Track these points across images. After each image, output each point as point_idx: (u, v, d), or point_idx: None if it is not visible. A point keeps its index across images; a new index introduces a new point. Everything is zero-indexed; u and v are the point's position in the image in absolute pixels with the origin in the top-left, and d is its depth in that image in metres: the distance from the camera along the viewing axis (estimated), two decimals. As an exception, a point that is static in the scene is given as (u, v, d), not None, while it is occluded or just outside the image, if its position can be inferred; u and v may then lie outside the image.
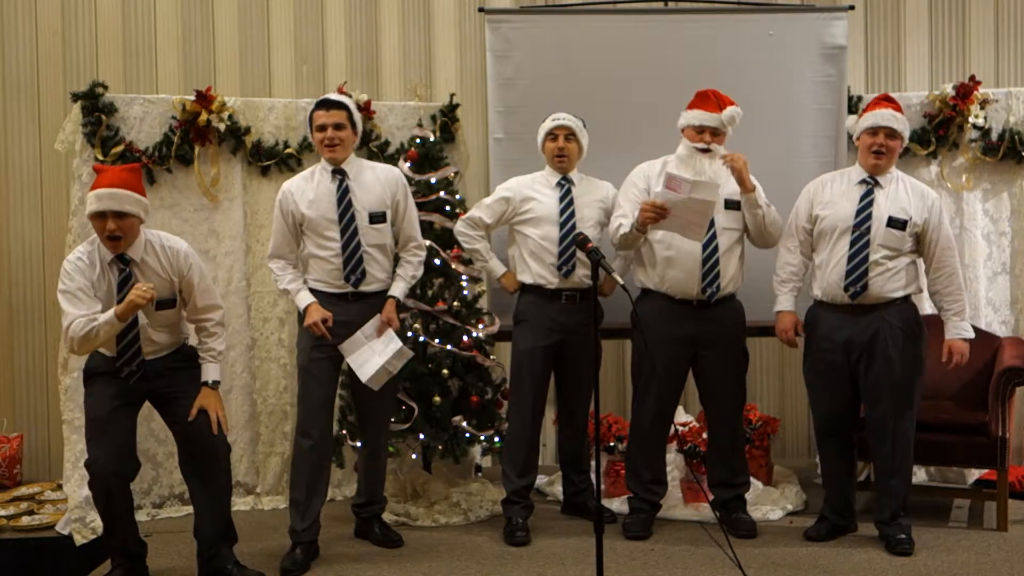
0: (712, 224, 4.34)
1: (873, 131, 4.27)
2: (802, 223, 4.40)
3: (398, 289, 4.35)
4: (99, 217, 3.78)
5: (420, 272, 4.45)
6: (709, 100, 4.41)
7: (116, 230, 3.78)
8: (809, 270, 4.43)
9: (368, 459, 4.49)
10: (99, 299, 3.82)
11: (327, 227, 4.22)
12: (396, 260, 4.44)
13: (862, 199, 4.26)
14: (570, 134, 4.58)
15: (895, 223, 4.20)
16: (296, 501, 4.27)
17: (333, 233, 4.22)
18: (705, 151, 4.39)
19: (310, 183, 4.28)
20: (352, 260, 4.22)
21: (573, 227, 4.52)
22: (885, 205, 4.23)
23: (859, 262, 4.20)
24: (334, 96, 4.36)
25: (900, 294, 4.25)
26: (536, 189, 4.63)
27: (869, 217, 4.22)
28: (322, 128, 4.22)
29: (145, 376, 3.95)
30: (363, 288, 4.26)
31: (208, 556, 4.03)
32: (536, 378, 4.58)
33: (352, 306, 4.26)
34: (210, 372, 4.03)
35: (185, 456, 4.03)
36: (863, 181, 4.30)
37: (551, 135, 4.60)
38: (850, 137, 5.18)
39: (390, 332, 4.25)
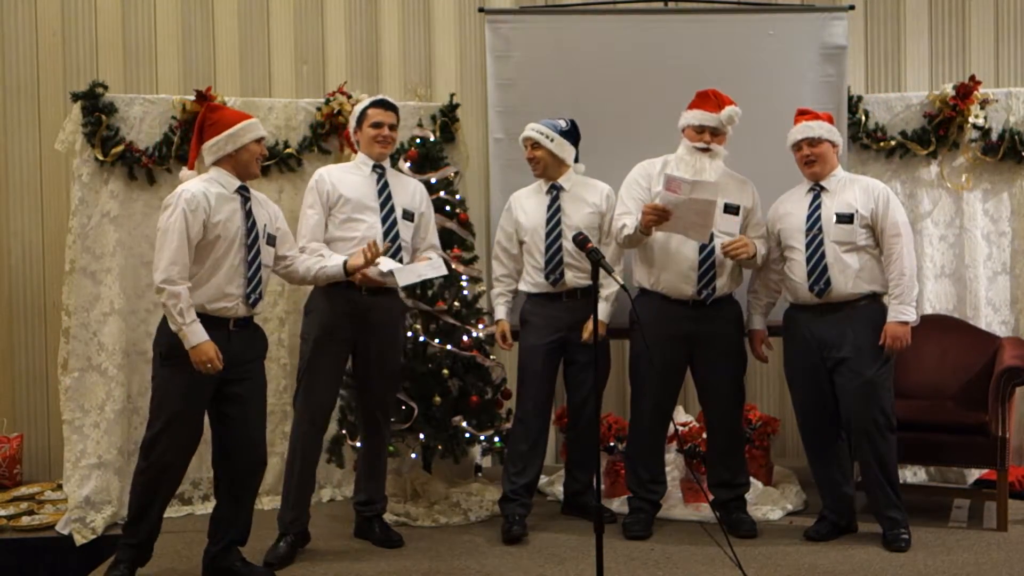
0: (708, 240, 4.37)
1: (796, 146, 4.46)
2: (770, 242, 4.55)
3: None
4: (259, 142, 4.02)
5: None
6: (709, 100, 4.45)
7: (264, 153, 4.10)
8: (780, 285, 4.56)
9: (370, 457, 4.49)
10: (218, 235, 3.83)
11: (365, 213, 4.31)
12: None
13: (811, 204, 4.41)
14: (534, 144, 4.61)
15: (842, 218, 4.34)
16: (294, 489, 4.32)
17: (371, 218, 4.30)
18: (705, 150, 4.41)
19: (347, 171, 4.40)
20: (394, 245, 4.30)
21: (559, 235, 4.54)
22: (831, 204, 4.37)
23: (817, 260, 4.32)
24: (390, 99, 4.46)
25: (866, 290, 4.33)
26: (527, 199, 4.67)
27: (819, 219, 4.37)
28: (379, 125, 4.36)
29: (230, 358, 3.85)
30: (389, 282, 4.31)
31: (216, 553, 4.04)
32: (540, 377, 4.59)
33: (367, 300, 4.29)
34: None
35: (223, 459, 4.01)
36: (811, 189, 4.46)
37: (524, 145, 4.66)
38: (853, 138, 5.24)
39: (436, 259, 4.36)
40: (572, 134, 4.65)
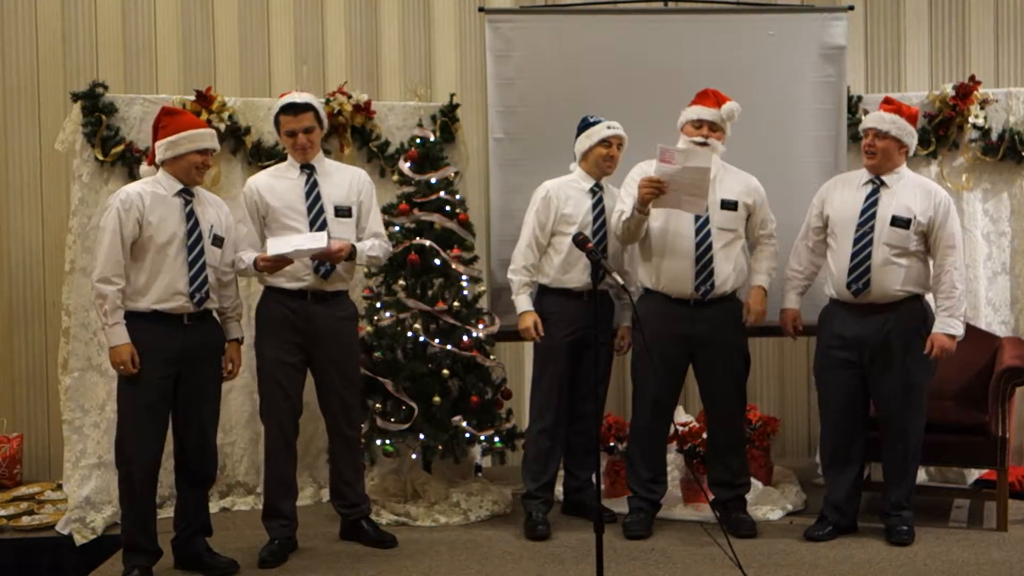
0: (707, 222, 4.37)
1: (864, 133, 4.39)
2: (814, 223, 4.49)
3: (361, 244, 4.36)
4: (203, 153, 4.03)
5: (382, 256, 4.48)
6: (708, 97, 4.47)
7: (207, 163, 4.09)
8: (820, 270, 4.52)
9: (342, 463, 4.46)
10: (150, 235, 3.93)
11: (293, 218, 4.27)
12: None
13: (867, 198, 4.32)
14: (621, 143, 4.60)
15: (899, 222, 4.25)
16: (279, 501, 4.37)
17: (300, 225, 4.26)
18: (703, 144, 4.40)
19: (276, 177, 4.37)
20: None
21: (606, 234, 4.57)
22: (889, 204, 4.28)
23: (861, 260, 4.26)
24: (299, 98, 4.34)
25: (907, 292, 4.29)
26: (571, 193, 4.62)
27: (873, 216, 4.28)
28: (292, 134, 4.30)
29: (186, 350, 3.98)
30: (327, 287, 4.29)
31: (182, 541, 4.15)
32: (561, 373, 4.60)
33: (311, 307, 4.29)
34: (237, 330, 4.27)
35: (181, 451, 4.14)
36: (869, 181, 4.36)
37: (605, 142, 4.58)
38: (853, 138, 5.22)
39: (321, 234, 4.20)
40: None
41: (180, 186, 4.03)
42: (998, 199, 5.31)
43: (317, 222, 4.27)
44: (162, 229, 3.95)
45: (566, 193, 4.61)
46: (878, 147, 4.30)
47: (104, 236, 3.93)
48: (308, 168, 4.34)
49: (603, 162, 4.60)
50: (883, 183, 4.32)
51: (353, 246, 4.30)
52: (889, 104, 4.39)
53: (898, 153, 4.34)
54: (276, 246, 4.15)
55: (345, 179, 4.42)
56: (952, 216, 4.30)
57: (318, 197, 4.30)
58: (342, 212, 4.34)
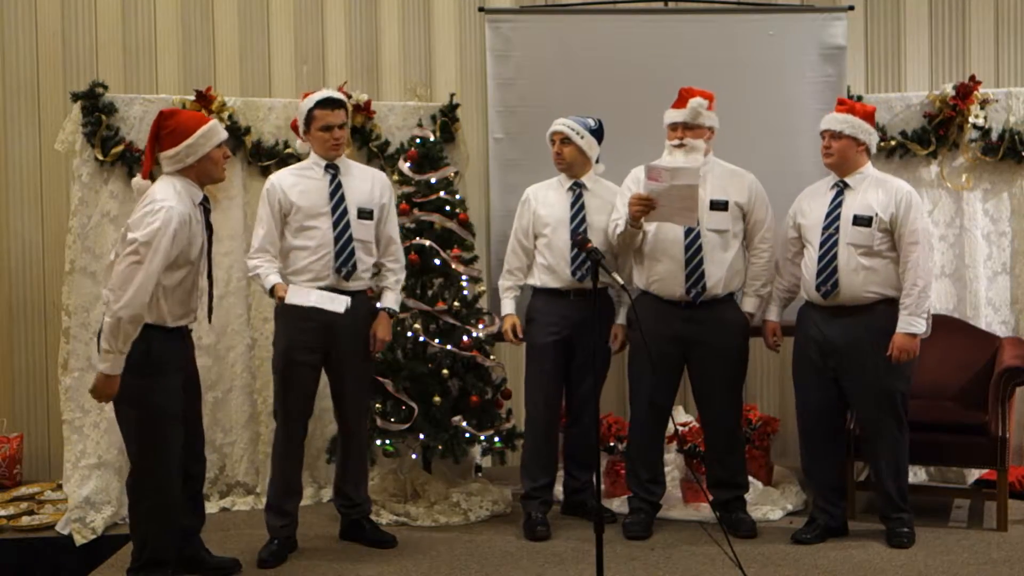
0: (696, 223, 4.37)
1: (821, 135, 4.40)
2: (790, 235, 4.52)
3: (390, 300, 4.44)
4: (221, 146, 3.91)
5: (404, 275, 4.53)
6: (681, 98, 4.47)
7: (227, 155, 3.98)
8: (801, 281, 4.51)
9: (352, 460, 4.46)
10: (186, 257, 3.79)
11: (316, 218, 4.25)
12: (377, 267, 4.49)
13: (832, 201, 4.35)
14: (564, 139, 4.58)
15: (860, 220, 4.27)
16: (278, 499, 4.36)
17: (323, 224, 4.25)
18: (680, 147, 4.42)
19: (300, 176, 4.34)
20: (344, 252, 4.26)
21: (585, 232, 4.54)
22: (852, 204, 4.30)
23: (828, 261, 4.28)
24: (335, 94, 4.36)
25: (877, 295, 4.28)
26: (545, 193, 4.65)
27: (838, 218, 4.31)
28: (329, 128, 4.27)
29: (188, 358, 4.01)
30: (350, 285, 4.29)
31: (183, 542, 4.10)
32: (550, 375, 4.60)
33: None
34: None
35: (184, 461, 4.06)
36: (835, 185, 4.39)
37: (551, 140, 4.62)
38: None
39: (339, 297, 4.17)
40: (599, 133, 4.65)
41: (201, 195, 3.88)
42: (998, 199, 5.31)
43: (340, 224, 4.25)
44: (192, 248, 3.81)
45: (544, 195, 4.65)
46: (834, 147, 4.33)
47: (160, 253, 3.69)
48: (332, 168, 4.32)
49: (555, 160, 4.61)
50: (847, 185, 4.35)
51: (389, 312, 4.41)
52: (842, 105, 4.43)
53: (856, 152, 4.35)
54: (295, 295, 4.11)
55: (367, 180, 4.41)
56: (915, 210, 4.27)
57: (342, 198, 4.29)
58: (364, 214, 4.33)
